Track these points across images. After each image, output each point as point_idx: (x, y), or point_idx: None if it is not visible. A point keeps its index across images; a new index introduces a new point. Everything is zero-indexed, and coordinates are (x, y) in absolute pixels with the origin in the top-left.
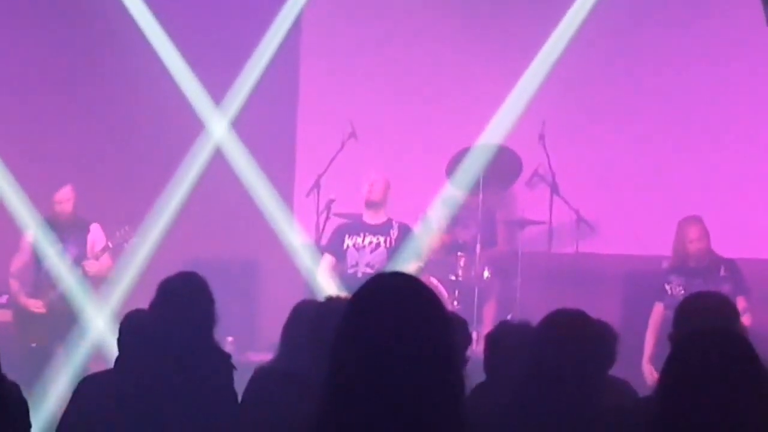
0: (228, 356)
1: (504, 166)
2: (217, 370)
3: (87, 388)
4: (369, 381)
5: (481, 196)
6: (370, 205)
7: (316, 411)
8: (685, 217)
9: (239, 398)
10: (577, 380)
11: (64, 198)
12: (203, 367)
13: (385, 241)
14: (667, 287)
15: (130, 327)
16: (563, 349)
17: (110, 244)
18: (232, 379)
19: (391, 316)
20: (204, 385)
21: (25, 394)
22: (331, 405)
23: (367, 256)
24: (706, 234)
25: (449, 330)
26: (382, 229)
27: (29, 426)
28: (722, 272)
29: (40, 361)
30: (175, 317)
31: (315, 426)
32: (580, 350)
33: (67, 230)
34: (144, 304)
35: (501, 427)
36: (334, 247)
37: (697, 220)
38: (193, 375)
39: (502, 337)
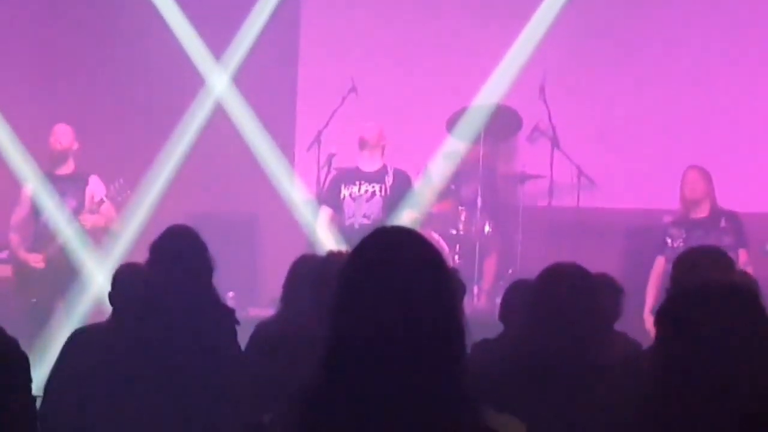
0: (231, 311)
1: (504, 121)
2: (219, 321)
3: (79, 341)
4: (369, 336)
5: (481, 150)
6: (364, 145)
7: (317, 367)
8: (691, 165)
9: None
10: (574, 333)
11: (62, 132)
12: (204, 318)
13: (381, 190)
14: (668, 240)
15: (123, 280)
16: (558, 302)
17: (104, 198)
18: (235, 334)
19: (390, 270)
20: (205, 337)
21: (25, 349)
22: (331, 360)
23: (364, 206)
24: (708, 180)
25: (449, 283)
26: (378, 176)
27: (30, 381)
28: (723, 224)
29: (41, 316)
30: (170, 270)
31: (315, 381)
32: (575, 303)
33: (66, 182)
34: (145, 257)
35: (503, 381)
36: (331, 198)
37: (700, 168)
38: (193, 326)
39: (515, 293)
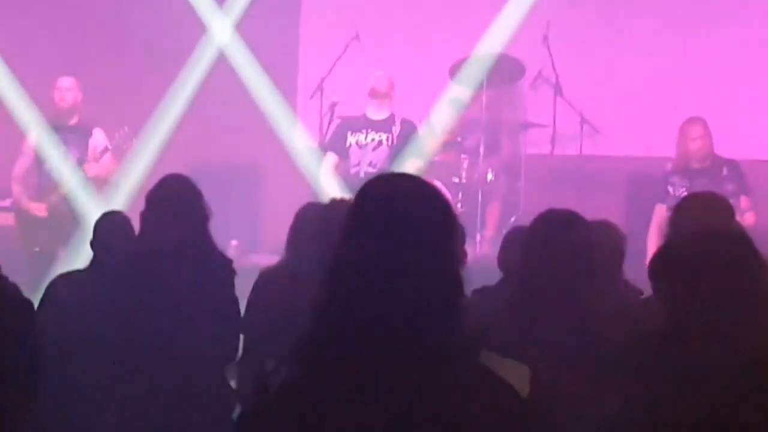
0: (228, 260)
1: (507, 69)
2: (213, 270)
3: (59, 287)
4: (368, 281)
5: (484, 98)
6: (375, 95)
7: (317, 313)
8: (687, 118)
9: (245, 301)
10: (568, 278)
11: (65, 86)
12: (196, 266)
13: (387, 139)
14: (670, 188)
15: (103, 228)
16: (551, 247)
17: (109, 146)
18: (231, 283)
19: (391, 216)
20: (197, 284)
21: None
22: (330, 306)
23: (370, 155)
24: (707, 133)
25: (452, 229)
26: (385, 124)
27: (34, 325)
28: (725, 172)
29: (43, 265)
30: (162, 218)
31: (315, 327)
32: (569, 248)
33: (69, 132)
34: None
35: (503, 327)
36: (337, 144)
37: (698, 119)
38: (183, 274)
39: (513, 240)
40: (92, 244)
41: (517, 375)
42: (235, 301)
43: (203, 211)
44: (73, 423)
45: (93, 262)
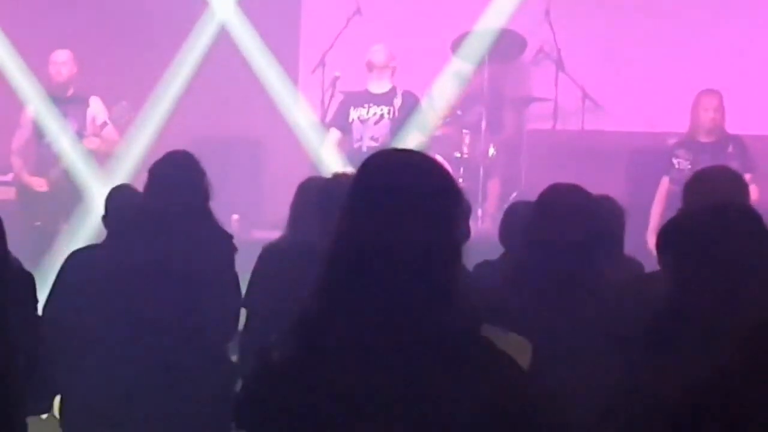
0: (229, 236)
1: (509, 43)
2: (217, 244)
3: (74, 263)
4: (368, 256)
5: (486, 73)
6: (372, 67)
7: (316, 287)
8: (704, 89)
9: (248, 275)
10: (572, 252)
11: (60, 60)
12: (199, 241)
13: (389, 112)
14: (675, 161)
15: (115, 203)
16: (557, 222)
17: (107, 121)
18: (233, 259)
19: (394, 189)
20: (199, 260)
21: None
22: (330, 279)
23: (371, 129)
24: (721, 107)
25: (454, 203)
26: (386, 97)
27: (36, 301)
28: (730, 149)
29: (45, 240)
30: (165, 194)
31: (314, 302)
32: (574, 222)
33: (67, 104)
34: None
35: (504, 301)
36: (339, 120)
37: (715, 92)
38: (187, 249)
39: (514, 215)
40: (104, 220)
41: (518, 348)
42: (235, 277)
43: (206, 189)
44: (79, 391)
45: (108, 236)
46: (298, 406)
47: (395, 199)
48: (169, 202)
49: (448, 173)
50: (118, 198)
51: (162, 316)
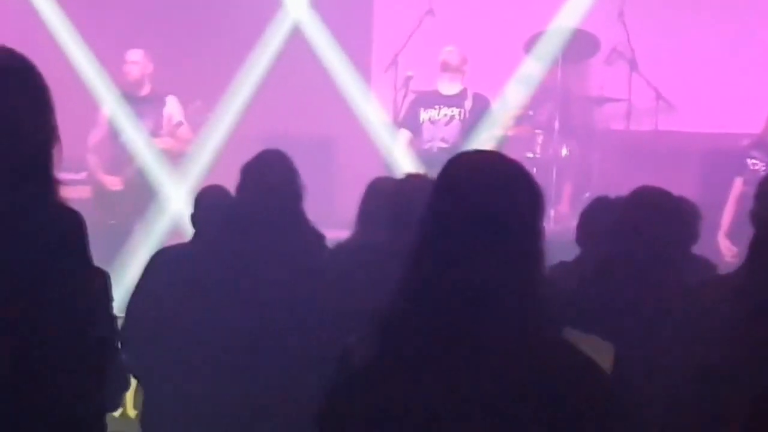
0: (321, 235)
1: (582, 43)
2: (307, 245)
3: (161, 261)
4: (452, 258)
5: (559, 73)
6: (446, 68)
7: (397, 288)
8: None
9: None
10: (660, 256)
11: (133, 59)
12: (290, 241)
13: (460, 114)
14: (749, 162)
15: (206, 202)
16: (648, 225)
17: (182, 120)
18: (325, 259)
19: (481, 190)
20: (293, 260)
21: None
22: (411, 280)
23: (442, 130)
24: None
25: (540, 206)
26: (457, 99)
27: (111, 299)
28: None
29: (119, 238)
30: (258, 193)
31: (395, 303)
32: (664, 227)
33: (143, 103)
34: (222, 179)
35: (582, 303)
36: (410, 121)
37: None
38: (279, 249)
39: (597, 212)
40: (192, 218)
41: (600, 351)
42: (325, 277)
43: (298, 189)
44: (162, 390)
45: (194, 237)
46: (383, 410)
47: (481, 200)
48: (263, 201)
49: (531, 175)
50: (208, 198)
51: (249, 317)
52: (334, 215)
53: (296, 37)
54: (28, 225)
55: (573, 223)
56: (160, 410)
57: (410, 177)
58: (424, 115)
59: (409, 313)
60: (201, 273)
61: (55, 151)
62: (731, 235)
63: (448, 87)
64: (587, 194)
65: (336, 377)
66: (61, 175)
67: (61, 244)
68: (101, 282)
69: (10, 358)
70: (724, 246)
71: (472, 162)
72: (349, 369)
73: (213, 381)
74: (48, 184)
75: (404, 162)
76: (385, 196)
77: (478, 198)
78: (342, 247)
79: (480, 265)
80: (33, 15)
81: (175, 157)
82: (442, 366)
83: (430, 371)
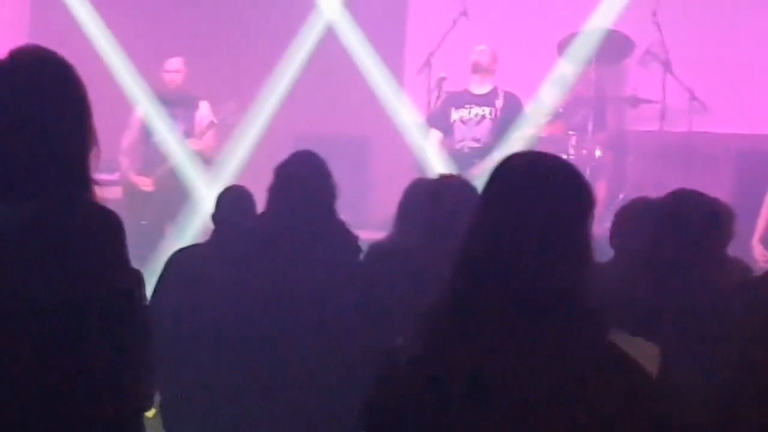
0: (354, 237)
1: (616, 44)
2: (341, 246)
3: (179, 260)
4: (502, 258)
5: (593, 74)
6: (477, 69)
7: (444, 288)
8: None
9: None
10: (698, 258)
11: (174, 68)
12: (325, 244)
13: (491, 113)
14: None
15: (227, 202)
16: (685, 227)
17: (215, 120)
18: (358, 261)
19: (534, 189)
20: (325, 261)
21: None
22: (464, 274)
23: (474, 130)
24: None
25: (590, 206)
26: (488, 98)
27: (145, 297)
28: None
29: (151, 239)
30: (292, 193)
31: (442, 303)
32: (702, 228)
33: (176, 106)
34: (254, 180)
35: (621, 305)
36: (441, 121)
37: None
38: (311, 250)
39: (634, 214)
40: (214, 218)
41: (646, 354)
42: (359, 277)
43: (332, 190)
44: (181, 388)
45: (214, 235)
46: (427, 407)
47: (531, 199)
48: (296, 202)
49: (580, 174)
50: (229, 198)
51: (278, 318)
52: (368, 216)
53: (330, 38)
54: (69, 225)
55: (606, 224)
56: (178, 407)
57: (446, 177)
58: (455, 114)
59: (458, 309)
60: (216, 272)
61: (93, 153)
62: (765, 240)
63: (479, 86)
64: (621, 195)
65: (381, 375)
66: (96, 176)
67: (101, 243)
68: (137, 281)
69: (50, 357)
70: (758, 250)
71: (525, 160)
72: (394, 368)
73: (233, 380)
74: (87, 184)
75: (436, 162)
76: (423, 197)
77: (531, 205)
78: (376, 248)
79: (528, 269)
80: (71, 19)
81: (206, 159)
82: (487, 363)
83: (476, 370)
